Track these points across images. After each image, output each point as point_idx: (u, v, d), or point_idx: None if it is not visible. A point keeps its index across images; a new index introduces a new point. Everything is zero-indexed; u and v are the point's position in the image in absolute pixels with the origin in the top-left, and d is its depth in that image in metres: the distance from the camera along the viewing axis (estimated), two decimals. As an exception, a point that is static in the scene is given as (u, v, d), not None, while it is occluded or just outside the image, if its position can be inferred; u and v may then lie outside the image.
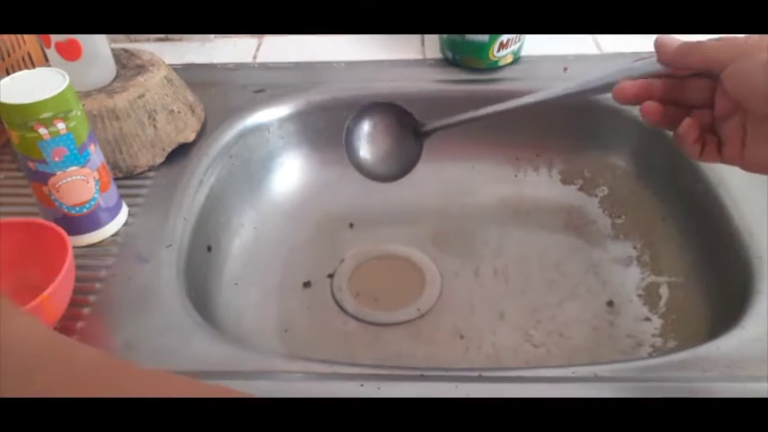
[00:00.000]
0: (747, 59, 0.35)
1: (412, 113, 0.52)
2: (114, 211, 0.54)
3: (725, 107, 0.38)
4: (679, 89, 0.40)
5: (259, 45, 0.80)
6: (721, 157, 0.39)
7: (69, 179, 0.49)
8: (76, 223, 0.51)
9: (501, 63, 0.72)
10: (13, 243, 0.47)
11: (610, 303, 0.60)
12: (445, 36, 0.73)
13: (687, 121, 0.38)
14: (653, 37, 0.71)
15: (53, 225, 0.47)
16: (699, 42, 0.38)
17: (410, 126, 0.53)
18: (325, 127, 0.71)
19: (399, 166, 0.53)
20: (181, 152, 0.62)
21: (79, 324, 0.46)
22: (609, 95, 0.42)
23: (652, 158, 0.67)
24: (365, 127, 0.52)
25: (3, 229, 0.47)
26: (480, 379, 0.42)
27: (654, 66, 0.40)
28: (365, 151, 0.52)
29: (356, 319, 0.60)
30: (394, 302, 0.61)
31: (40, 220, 0.48)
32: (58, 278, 0.43)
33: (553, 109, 0.71)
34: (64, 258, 0.44)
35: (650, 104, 0.39)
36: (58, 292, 0.43)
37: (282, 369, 0.43)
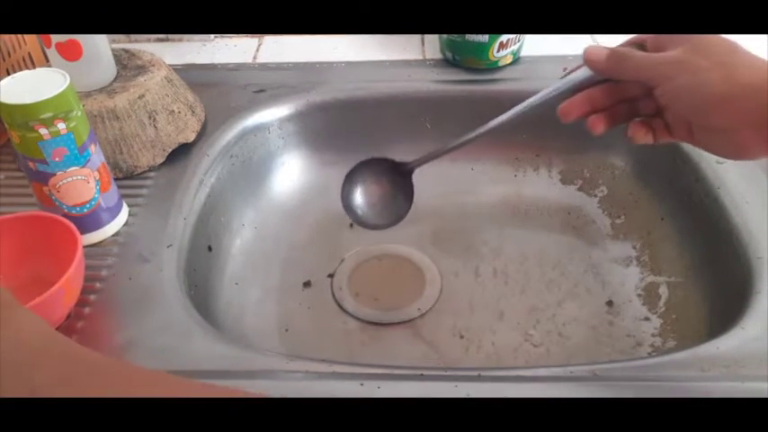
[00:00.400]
0: (670, 81, 0.38)
1: (391, 159, 0.55)
2: (115, 211, 0.54)
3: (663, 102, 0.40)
4: (620, 89, 0.41)
5: (259, 45, 0.80)
6: (672, 137, 0.41)
7: (70, 179, 0.49)
8: (77, 223, 0.51)
9: (501, 63, 0.72)
10: (24, 236, 0.48)
11: (609, 303, 0.60)
12: (445, 36, 0.73)
13: (632, 125, 0.41)
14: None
15: (63, 220, 0.47)
16: (629, 53, 0.39)
17: (395, 169, 0.55)
18: (326, 127, 0.71)
19: (396, 210, 0.56)
20: (181, 152, 0.62)
21: (80, 324, 0.46)
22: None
23: (652, 158, 0.67)
24: (357, 188, 0.55)
25: (14, 222, 0.48)
26: (480, 379, 0.42)
27: (587, 77, 0.41)
28: (364, 210, 0.55)
29: (356, 318, 0.60)
30: (394, 302, 0.61)
31: (51, 214, 0.48)
32: (68, 272, 0.43)
33: (553, 108, 0.71)
34: (74, 252, 0.45)
35: (594, 118, 0.41)
36: (68, 285, 0.43)
37: (282, 369, 0.43)
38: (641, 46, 0.41)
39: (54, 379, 0.29)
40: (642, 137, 0.41)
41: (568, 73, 0.44)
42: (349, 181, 0.55)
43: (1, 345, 0.29)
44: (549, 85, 0.44)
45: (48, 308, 0.42)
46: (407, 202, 0.55)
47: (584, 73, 0.42)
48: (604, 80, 0.42)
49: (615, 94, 0.42)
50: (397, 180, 0.56)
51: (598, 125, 0.41)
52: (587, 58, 0.41)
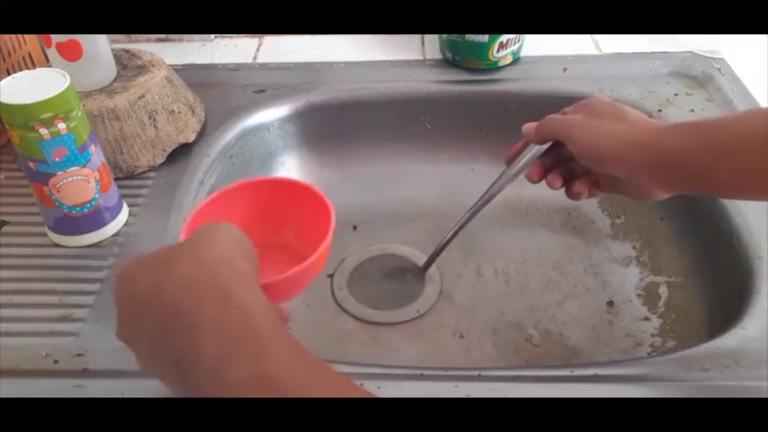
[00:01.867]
0: (573, 138, 0.46)
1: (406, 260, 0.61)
2: (115, 211, 0.54)
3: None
4: (557, 154, 0.50)
5: (259, 45, 0.80)
6: (601, 191, 0.50)
7: (70, 179, 0.49)
8: (77, 223, 0.51)
9: (501, 63, 0.72)
10: (272, 199, 0.46)
11: (609, 303, 0.60)
12: (445, 36, 0.73)
13: (551, 176, 0.51)
14: (652, 37, 0.71)
15: (317, 190, 0.44)
16: (550, 117, 0.49)
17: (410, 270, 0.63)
18: (325, 127, 0.71)
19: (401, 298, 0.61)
20: (181, 152, 0.62)
21: (80, 324, 0.46)
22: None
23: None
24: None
25: (264, 185, 0.46)
26: (480, 379, 0.42)
27: (538, 150, 0.51)
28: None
29: (356, 318, 0.60)
30: (394, 302, 0.61)
31: (304, 183, 0.45)
32: (324, 242, 0.40)
33: (553, 108, 0.71)
34: (328, 224, 0.42)
35: (551, 177, 0.51)
36: (323, 257, 0.41)
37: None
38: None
39: (283, 366, 0.29)
40: (577, 193, 0.50)
41: (513, 158, 0.53)
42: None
43: (252, 307, 0.30)
44: (507, 170, 0.53)
45: (303, 277, 0.40)
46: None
47: (529, 151, 0.52)
48: (547, 151, 0.51)
49: (556, 158, 0.51)
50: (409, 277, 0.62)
51: (555, 181, 0.51)
52: (525, 130, 0.51)
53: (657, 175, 0.44)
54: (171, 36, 0.81)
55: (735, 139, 0.40)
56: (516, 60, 0.74)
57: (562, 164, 0.51)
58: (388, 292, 0.62)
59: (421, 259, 0.64)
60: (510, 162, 0.53)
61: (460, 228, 0.57)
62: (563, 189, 0.51)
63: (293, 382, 0.28)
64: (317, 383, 0.29)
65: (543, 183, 0.51)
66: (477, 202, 0.55)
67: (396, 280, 0.58)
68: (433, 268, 0.64)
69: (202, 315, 0.29)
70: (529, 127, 0.51)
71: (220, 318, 0.29)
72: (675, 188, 0.46)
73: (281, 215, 0.46)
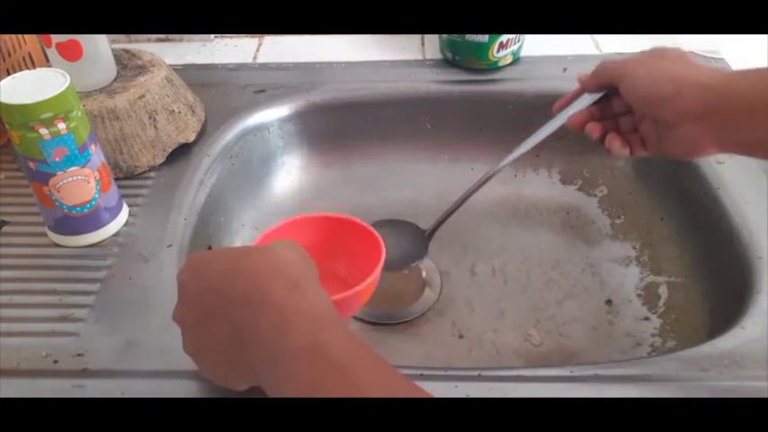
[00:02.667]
0: (630, 76, 0.45)
1: (412, 224, 0.59)
2: (115, 211, 0.54)
3: (637, 112, 0.48)
4: (606, 107, 0.50)
5: (259, 45, 0.80)
6: (646, 150, 0.49)
7: (70, 179, 0.49)
8: (77, 223, 0.51)
9: (501, 63, 0.72)
10: (332, 234, 0.50)
11: (609, 303, 0.60)
12: (445, 36, 0.73)
13: (609, 136, 0.49)
14: (653, 37, 0.72)
15: (370, 228, 0.49)
16: (605, 61, 0.49)
17: (414, 233, 0.60)
18: (326, 127, 0.71)
19: (403, 257, 0.58)
20: (181, 152, 0.62)
21: (80, 324, 0.46)
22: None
23: (651, 158, 0.66)
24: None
25: (326, 221, 0.51)
26: (480, 379, 0.42)
27: (587, 99, 0.50)
28: None
29: (356, 318, 0.60)
30: (394, 302, 0.61)
31: (358, 221, 0.50)
32: (372, 275, 0.44)
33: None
34: (378, 259, 0.46)
35: (591, 125, 0.50)
36: (369, 288, 0.44)
37: (283, 369, 0.43)
38: None
39: (338, 342, 0.31)
40: (618, 148, 0.49)
41: (562, 108, 0.52)
42: None
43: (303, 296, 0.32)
44: (554, 120, 0.53)
45: (346, 304, 0.43)
46: (420, 254, 0.58)
47: (580, 101, 0.51)
48: (596, 102, 0.50)
49: (604, 110, 0.50)
50: (413, 236, 0.60)
51: (595, 129, 0.49)
52: (579, 80, 0.51)
53: (717, 121, 0.41)
54: (171, 36, 0.81)
55: None
56: (516, 60, 0.74)
57: (610, 117, 0.50)
58: (388, 293, 0.62)
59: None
60: (558, 111, 0.52)
61: (490, 177, 0.56)
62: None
63: (346, 355, 0.30)
64: (367, 361, 0.31)
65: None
66: (514, 151, 0.54)
67: (399, 239, 0.57)
68: (433, 268, 0.64)
69: (270, 296, 0.32)
70: (584, 74, 0.50)
71: (287, 301, 0.32)
72: (731, 141, 0.42)
73: (336, 248, 0.50)
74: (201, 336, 0.35)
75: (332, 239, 0.50)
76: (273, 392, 0.32)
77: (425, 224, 0.67)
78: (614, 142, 0.49)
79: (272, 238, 0.46)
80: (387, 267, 0.49)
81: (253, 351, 0.32)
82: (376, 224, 0.51)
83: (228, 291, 0.33)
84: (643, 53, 0.47)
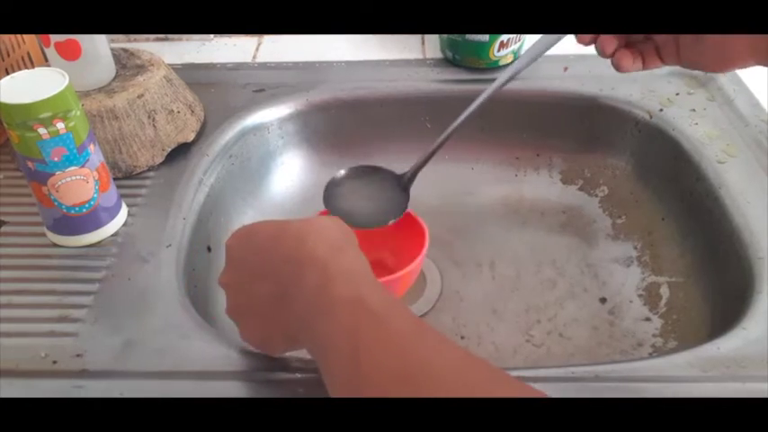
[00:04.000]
0: None
1: (386, 169, 0.56)
2: (114, 211, 0.53)
3: None
4: None
5: (259, 45, 0.80)
6: (663, 61, 0.45)
7: (68, 179, 0.49)
8: (76, 223, 0.51)
9: (501, 63, 0.72)
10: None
11: (610, 303, 0.60)
12: (445, 36, 0.73)
13: (618, 52, 0.46)
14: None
15: (416, 216, 0.51)
16: None
17: (391, 180, 0.57)
18: (325, 127, 0.71)
19: (383, 212, 0.54)
20: (180, 152, 0.61)
21: (79, 324, 0.46)
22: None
23: (652, 158, 0.67)
24: (345, 186, 0.54)
25: None
26: (480, 379, 0.42)
27: None
28: (346, 203, 0.54)
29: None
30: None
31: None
32: (413, 263, 0.47)
33: (553, 108, 0.71)
34: (421, 248, 0.48)
35: (603, 38, 0.46)
36: (409, 276, 0.47)
37: (283, 369, 0.43)
38: None
39: (377, 296, 0.32)
40: (629, 64, 0.46)
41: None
42: (334, 185, 0.54)
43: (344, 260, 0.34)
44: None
45: (392, 288, 0.45)
46: (400, 206, 0.54)
47: None
48: None
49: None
50: (390, 187, 0.56)
51: (608, 44, 0.46)
52: None
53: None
54: (170, 36, 0.81)
55: None
56: (517, 60, 0.74)
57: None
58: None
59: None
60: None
61: (464, 120, 0.54)
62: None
63: (383, 307, 0.32)
64: (402, 313, 0.32)
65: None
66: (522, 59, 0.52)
67: (375, 191, 0.56)
68: (433, 268, 0.64)
69: (314, 254, 0.34)
70: None
71: (330, 259, 0.34)
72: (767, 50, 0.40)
73: (380, 236, 0.51)
74: (245, 296, 0.38)
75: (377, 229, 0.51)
76: (313, 344, 0.34)
77: (426, 225, 0.67)
78: (623, 60, 0.45)
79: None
80: (367, 226, 0.49)
81: (295, 304, 0.34)
82: (348, 173, 0.51)
83: (275, 251, 0.36)
84: None
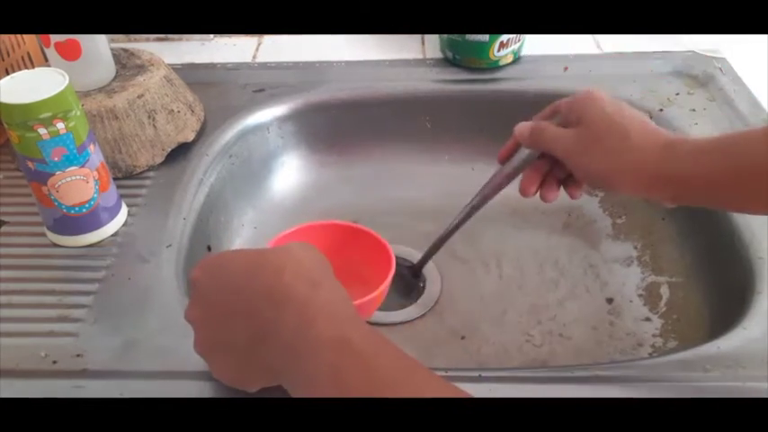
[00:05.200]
0: (575, 159, 0.45)
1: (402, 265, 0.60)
2: (114, 211, 0.53)
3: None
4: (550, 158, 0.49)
5: (259, 45, 0.80)
6: (580, 190, 0.51)
7: (69, 179, 0.49)
8: (76, 223, 0.51)
9: (501, 63, 0.72)
10: (343, 243, 0.53)
11: (610, 303, 0.60)
12: (445, 36, 0.73)
13: (572, 190, 0.51)
14: (653, 36, 0.71)
15: (381, 239, 0.52)
16: (544, 127, 0.47)
17: (405, 273, 0.61)
18: (325, 127, 0.71)
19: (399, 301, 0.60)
20: (180, 152, 0.61)
21: (79, 324, 0.46)
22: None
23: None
24: None
25: (336, 228, 0.54)
26: (480, 379, 0.42)
27: (532, 154, 0.50)
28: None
29: (356, 319, 0.60)
30: (394, 302, 0.61)
31: (369, 230, 0.54)
32: (383, 284, 0.47)
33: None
34: (388, 269, 0.49)
35: (545, 190, 0.51)
36: (380, 297, 0.48)
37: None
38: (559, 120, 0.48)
39: (361, 334, 0.32)
40: (553, 196, 0.51)
41: (506, 158, 0.52)
42: None
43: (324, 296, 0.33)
44: (497, 173, 0.53)
45: (361, 310, 0.43)
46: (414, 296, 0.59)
47: (521, 154, 0.51)
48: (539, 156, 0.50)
49: (548, 163, 0.50)
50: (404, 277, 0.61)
51: (549, 194, 0.51)
52: (517, 134, 0.50)
53: (667, 198, 0.43)
54: (170, 36, 0.81)
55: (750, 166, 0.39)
56: (517, 60, 0.74)
57: (559, 164, 0.49)
58: (388, 292, 0.62)
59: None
60: (503, 162, 0.52)
61: (454, 228, 0.57)
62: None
63: (369, 347, 0.31)
64: (389, 353, 0.31)
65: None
66: (468, 204, 0.55)
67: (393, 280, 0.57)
68: (433, 268, 0.64)
69: (293, 292, 0.33)
70: (522, 131, 0.49)
71: (309, 297, 0.32)
72: (683, 203, 0.44)
73: (344, 256, 0.50)
74: (216, 334, 0.36)
75: (341, 247, 0.52)
76: (294, 386, 0.33)
77: (426, 225, 0.67)
78: (549, 193, 0.51)
79: (285, 242, 0.48)
80: (384, 309, 0.50)
81: (275, 344, 0.33)
82: None
83: (250, 288, 0.34)
84: (573, 120, 0.46)
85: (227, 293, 0.35)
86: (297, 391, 0.33)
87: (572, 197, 0.51)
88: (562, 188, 0.52)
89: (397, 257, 0.52)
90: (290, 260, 0.34)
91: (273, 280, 0.33)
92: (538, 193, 0.52)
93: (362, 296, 0.46)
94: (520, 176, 0.52)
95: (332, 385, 0.30)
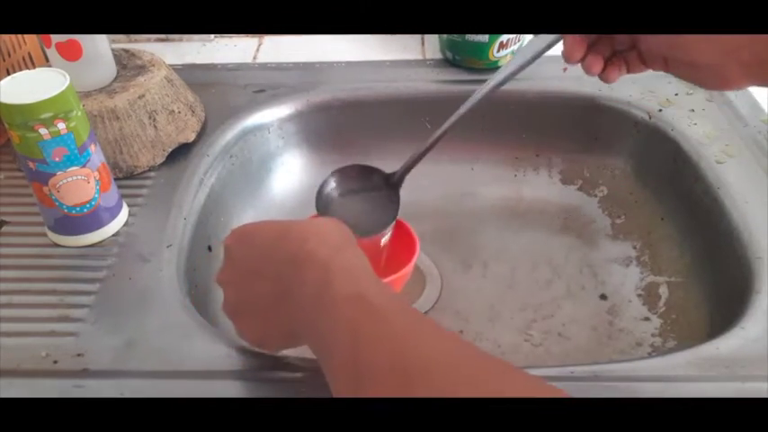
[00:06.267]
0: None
1: (377, 168, 0.55)
2: (115, 211, 0.54)
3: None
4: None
5: (259, 45, 0.80)
6: (648, 67, 0.44)
7: (70, 179, 0.49)
8: (77, 223, 0.51)
9: (501, 63, 0.72)
10: None
11: (609, 303, 0.60)
12: (445, 36, 0.73)
13: (608, 68, 0.45)
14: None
15: (406, 224, 0.53)
16: None
17: (380, 180, 0.56)
18: (326, 127, 0.71)
19: (376, 221, 0.53)
20: (181, 152, 0.62)
21: (79, 324, 0.46)
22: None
23: (652, 158, 0.67)
24: (334, 193, 0.54)
25: None
26: (480, 379, 0.42)
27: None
28: (337, 215, 0.53)
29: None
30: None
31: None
32: (407, 267, 0.48)
33: (553, 108, 0.71)
34: (413, 252, 0.50)
35: (590, 59, 0.45)
36: (403, 279, 0.49)
37: (283, 369, 0.43)
38: None
39: (378, 293, 0.33)
40: (616, 75, 0.45)
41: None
42: (325, 188, 0.54)
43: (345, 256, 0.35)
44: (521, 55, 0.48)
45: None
46: (392, 212, 0.54)
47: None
48: None
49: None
50: (381, 190, 0.55)
51: (595, 65, 0.45)
52: None
53: (749, 56, 0.38)
54: (171, 36, 0.81)
55: None
56: (513, 59, 0.74)
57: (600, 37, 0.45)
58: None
59: (421, 259, 0.64)
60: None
61: (455, 121, 0.53)
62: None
63: (384, 303, 0.32)
64: (403, 309, 0.32)
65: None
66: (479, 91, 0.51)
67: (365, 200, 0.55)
68: (433, 268, 0.64)
69: (316, 256, 0.34)
70: None
71: (331, 260, 0.34)
72: (763, 75, 0.39)
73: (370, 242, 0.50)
74: (244, 293, 0.38)
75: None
76: (315, 342, 0.34)
77: (426, 225, 0.67)
78: (611, 73, 0.45)
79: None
80: (360, 235, 0.49)
81: (297, 302, 0.34)
82: (338, 179, 0.51)
83: (277, 252, 0.36)
84: None
85: (254, 259, 0.37)
86: (316, 347, 0.34)
87: (634, 70, 0.45)
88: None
89: (371, 168, 0.53)
90: (314, 230, 0.37)
91: (299, 245, 0.35)
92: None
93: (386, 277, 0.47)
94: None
95: (347, 338, 0.31)
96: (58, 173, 0.49)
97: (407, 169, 0.55)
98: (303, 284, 0.34)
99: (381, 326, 0.31)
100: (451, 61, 0.74)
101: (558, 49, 0.78)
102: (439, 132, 0.52)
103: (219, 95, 0.70)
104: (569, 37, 0.46)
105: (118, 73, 0.61)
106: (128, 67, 0.62)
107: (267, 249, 0.37)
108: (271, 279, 0.36)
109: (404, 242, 0.52)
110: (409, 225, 0.53)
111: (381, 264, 0.50)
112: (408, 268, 0.49)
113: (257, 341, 0.40)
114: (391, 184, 0.55)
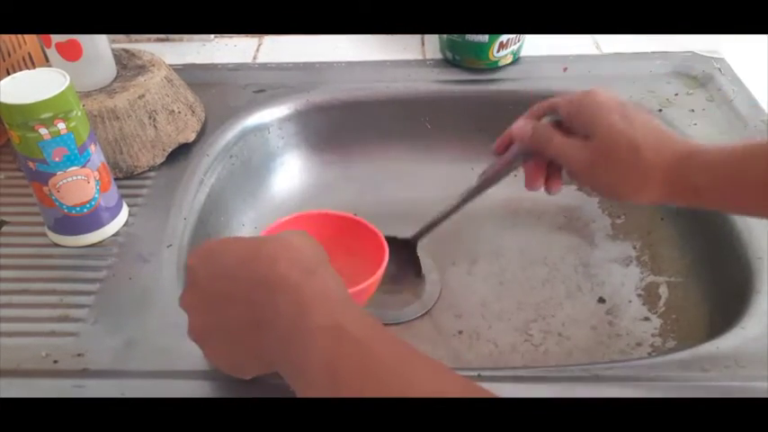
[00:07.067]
0: (583, 173, 0.44)
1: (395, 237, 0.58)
2: (115, 211, 0.54)
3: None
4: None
5: (259, 45, 0.80)
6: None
7: (70, 179, 0.49)
8: (77, 223, 0.51)
9: (501, 63, 0.72)
10: (336, 232, 0.53)
11: (609, 303, 0.60)
12: (445, 36, 0.73)
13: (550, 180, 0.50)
14: (652, 37, 0.71)
15: (374, 229, 0.52)
16: (550, 134, 0.46)
17: (401, 244, 0.60)
18: (325, 127, 0.71)
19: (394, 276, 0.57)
20: (181, 152, 0.62)
21: (79, 324, 0.46)
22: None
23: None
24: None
25: (329, 218, 0.54)
26: (480, 379, 0.42)
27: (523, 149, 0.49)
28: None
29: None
30: (394, 302, 0.61)
31: (362, 220, 0.54)
32: (376, 274, 0.47)
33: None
34: (381, 259, 0.49)
35: (550, 183, 0.50)
36: (372, 287, 0.47)
37: (283, 369, 0.43)
38: (557, 119, 0.47)
39: (356, 321, 0.32)
40: (557, 188, 0.50)
41: (503, 150, 0.52)
42: None
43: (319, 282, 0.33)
44: (491, 165, 0.53)
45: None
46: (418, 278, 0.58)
47: (516, 148, 0.50)
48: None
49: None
50: (401, 256, 0.59)
51: (554, 186, 0.50)
52: (516, 135, 0.48)
53: (678, 204, 0.43)
54: (171, 36, 0.81)
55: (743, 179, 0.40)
56: (516, 60, 0.74)
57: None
58: (387, 292, 0.62)
59: (421, 259, 0.64)
60: (500, 154, 0.52)
61: (444, 217, 0.57)
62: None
63: (364, 332, 0.31)
64: (384, 338, 0.31)
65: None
66: (463, 194, 0.55)
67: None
68: (433, 268, 0.64)
69: (288, 280, 0.33)
70: (522, 132, 0.48)
71: (304, 284, 0.32)
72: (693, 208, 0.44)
73: (338, 245, 0.50)
74: (212, 319, 0.36)
75: (335, 237, 0.51)
76: (290, 373, 0.33)
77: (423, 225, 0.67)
78: (553, 186, 0.50)
79: (280, 230, 0.47)
80: (383, 308, 0.50)
81: (270, 331, 0.33)
82: None
83: (245, 274, 0.34)
84: (576, 125, 0.45)
85: (222, 280, 0.35)
86: (292, 379, 0.32)
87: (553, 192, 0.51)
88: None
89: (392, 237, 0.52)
90: (285, 249, 0.34)
91: (268, 269, 0.33)
92: (537, 191, 0.52)
93: (356, 285, 0.46)
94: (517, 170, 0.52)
95: (326, 373, 0.30)
96: (58, 173, 0.49)
97: (426, 230, 0.59)
98: (277, 313, 0.32)
99: (361, 360, 0.30)
100: (451, 61, 0.74)
101: (558, 48, 0.78)
102: (447, 209, 0.57)
103: (219, 95, 0.70)
104: (529, 165, 0.50)
105: (118, 73, 0.61)
106: (128, 67, 0.63)
107: (235, 270, 0.34)
108: (241, 303, 0.34)
109: (373, 250, 0.51)
110: (380, 233, 0.52)
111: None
112: (376, 278, 0.47)
113: (229, 368, 0.37)
114: (411, 245, 0.60)
